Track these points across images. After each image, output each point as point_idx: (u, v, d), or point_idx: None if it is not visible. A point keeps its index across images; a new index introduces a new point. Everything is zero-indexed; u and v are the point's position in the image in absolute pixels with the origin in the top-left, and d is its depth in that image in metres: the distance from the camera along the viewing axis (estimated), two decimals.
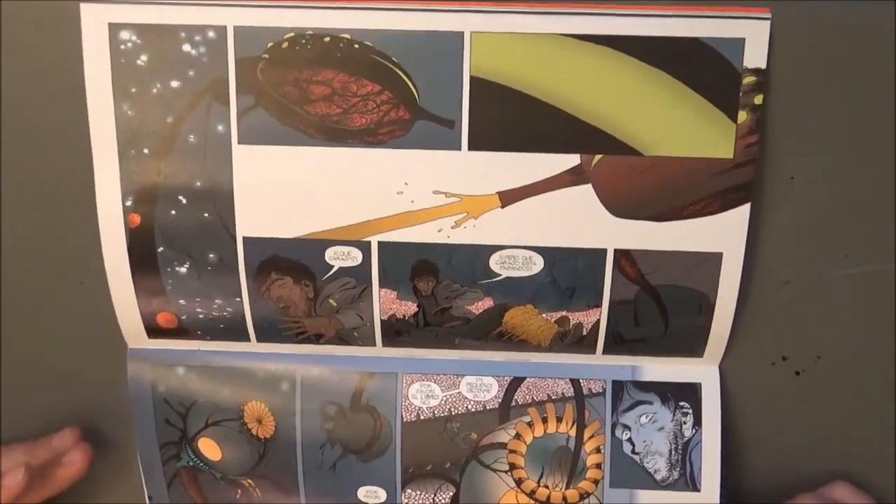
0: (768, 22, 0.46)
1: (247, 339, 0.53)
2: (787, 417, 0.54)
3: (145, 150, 0.48)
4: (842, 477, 0.53)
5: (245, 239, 0.50)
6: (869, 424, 0.54)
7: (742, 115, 0.47)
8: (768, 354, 0.53)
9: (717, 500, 0.54)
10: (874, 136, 0.48)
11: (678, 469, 0.54)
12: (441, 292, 0.50)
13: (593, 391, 0.53)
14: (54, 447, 0.53)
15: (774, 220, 0.50)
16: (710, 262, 0.49)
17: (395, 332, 0.52)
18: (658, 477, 0.54)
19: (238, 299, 0.51)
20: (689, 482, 0.54)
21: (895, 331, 0.52)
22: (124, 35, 0.47)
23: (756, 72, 0.46)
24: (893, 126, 0.48)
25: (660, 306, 0.50)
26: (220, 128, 0.48)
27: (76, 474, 0.53)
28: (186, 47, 0.47)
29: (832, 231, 0.50)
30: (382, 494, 0.55)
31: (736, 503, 0.55)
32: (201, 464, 0.55)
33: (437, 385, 0.53)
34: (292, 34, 0.47)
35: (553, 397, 0.53)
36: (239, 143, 0.48)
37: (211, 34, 0.47)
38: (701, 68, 0.46)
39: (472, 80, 0.47)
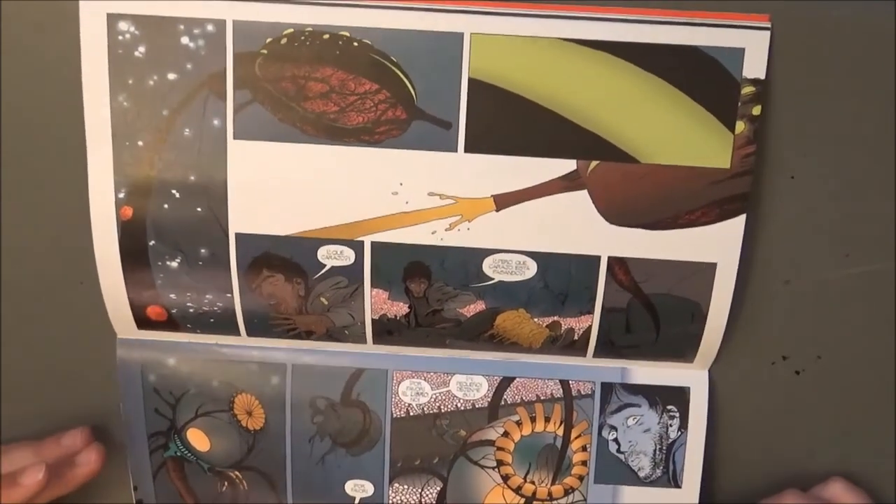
0: (768, 33, 0.45)
1: (237, 333, 0.53)
2: (787, 417, 0.55)
3: (140, 143, 0.48)
4: (842, 476, 0.54)
5: (238, 235, 0.49)
6: (869, 424, 0.55)
7: (740, 126, 0.47)
8: (768, 354, 0.54)
9: (697, 498, 0.55)
10: (874, 136, 0.49)
11: (661, 467, 0.54)
12: (433, 294, 0.50)
13: (582, 393, 0.53)
14: (64, 446, 0.53)
15: (775, 219, 0.50)
16: (704, 272, 0.49)
17: (387, 331, 0.52)
18: (641, 474, 0.55)
19: (229, 295, 0.51)
20: (672, 479, 0.54)
21: (895, 331, 0.52)
22: (123, 26, 0.46)
23: (755, 82, 0.46)
24: (893, 126, 0.48)
25: (652, 315, 0.50)
26: (215, 122, 0.47)
27: (90, 474, 0.53)
28: (185, 40, 0.46)
29: (832, 231, 0.51)
30: (370, 488, 0.55)
31: (735, 500, 0.56)
32: (189, 454, 0.56)
33: (427, 383, 0.54)
34: (291, 30, 0.46)
35: (542, 397, 0.54)
36: (234, 138, 0.48)
37: (210, 28, 0.46)
38: (700, 77, 0.46)
39: (471, 81, 0.46)
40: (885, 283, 0.51)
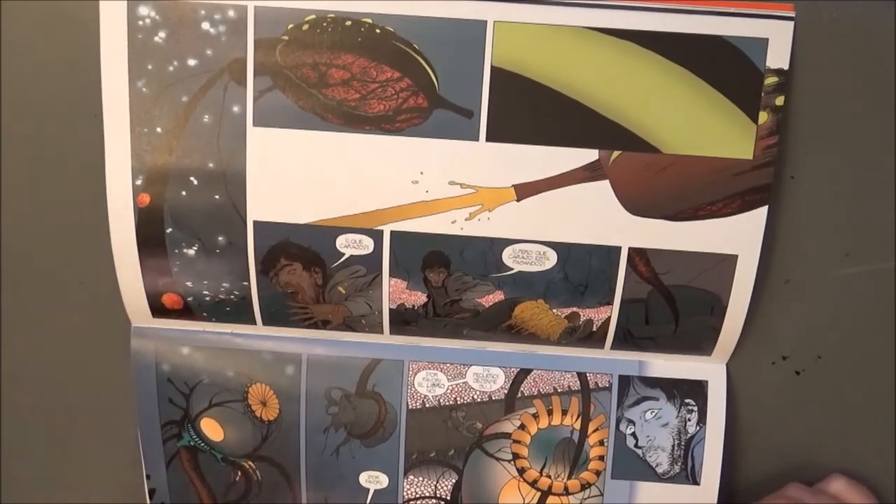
0: (792, 23, 0.45)
1: (253, 322, 0.52)
2: (787, 417, 0.55)
3: (158, 129, 0.48)
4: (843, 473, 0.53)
5: (256, 223, 0.49)
6: (869, 424, 0.54)
7: (763, 116, 0.46)
8: (769, 354, 0.53)
9: (716, 495, 0.54)
10: (874, 136, 0.48)
11: (679, 463, 0.54)
12: (452, 284, 0.50)
13: (600, 385, 0.53)
14: None
15: (774, 219, 0.49)
16: (725, 264, 0.49)
17: (404, 321, 0.52)
18: (659, 470, 0.54)
19: (245, 283, 0.51)
20: (690, 476, 0.54)
21: (895, 331, 0.52)
22: (143, 11, 0.46)
23: (778, 72, 0.46)
24: (893, 126, 0.48)
25: (672, 307, 0.50)
26: (235, 109, 0.47)
27: None
28: (205, 25, 0.46)
29: (832, 231, 0.50)
30: (384, 480, 0.55)
31: (735, 499, 0.56)
32: (202, 444, 0.55)
33: (444, 374, 0.53)
34: (313, 16, 0.46)
35: (559, 390, 0.53)
36: (254, 125, 0.47)
37: (231, 13, 0.46)
38: (724, 67, 0.46)
39: (493, 70, 0.46)
40: (885, 283, 0.51)
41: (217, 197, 0.49)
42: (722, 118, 0.46)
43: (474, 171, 0.48)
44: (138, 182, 0.49)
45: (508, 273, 0.50)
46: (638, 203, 0.48)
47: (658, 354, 0.53)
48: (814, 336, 0.53)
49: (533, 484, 0.55)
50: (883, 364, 0.53)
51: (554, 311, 0.51)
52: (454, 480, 0.55)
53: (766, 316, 0.52)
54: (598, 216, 0.48)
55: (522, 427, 0.54)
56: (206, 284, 0.51)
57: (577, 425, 0.54)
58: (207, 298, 0.51)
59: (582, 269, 0.49)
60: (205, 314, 0.52)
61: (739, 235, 0.48)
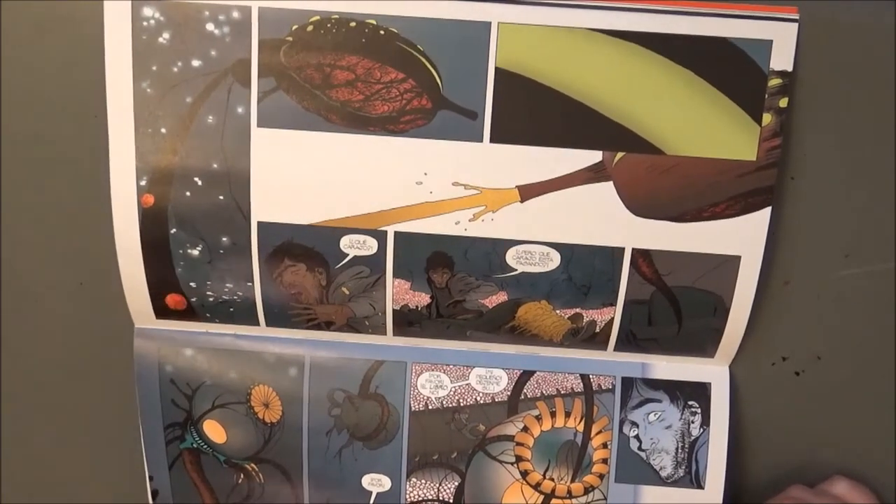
0: (796, 24, 0.45)
1: (256, 323, 0.52)
2: (787, 417, 0.54)
3: (163, 130, 0.48)
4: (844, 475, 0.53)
5: (260, 223, 0.49)
6: (869, 424, 0.54)
7: (766, 118, 0.47)
8: (768, 354, 0.53)
9: (721, 498, 0.54)
10: (875, 137, 0.48)
11: (683, 467, 0.54)
12: (455, 285, 0.50)
13: (603, 387, 0.53)
14: None
15: (774, 220, 0.49)
16: (728, 265, 0.49)
17: (407, 322, 0.52)
18: (663, 474, 0.54)
19: (249, 284, 0.51)
20: (694, 480, 0.54)
21: (895, 331, 0.52)
22: (147, 12, 0.46)
23: (782, 74, 0.46)
24: (893, 126, 0.48)
25: (675, 308, 0.50)
26: (239, 110, 0.47)
27: None
28: (210, 26, 0.46)
29: (832, 231, 0.50)
30: (387, 483, 0.55)
31: (736, 501, 0.55)
32: (205, 446, 0.55)
33: (447, 376, 0.53)
34: (318, 17, 0.46)
35: (562, 392, 0.53)
36: (258, 126, 0.47)
37: (235, 14, 0.46)
38: (727, 69, 0.46)
39: (498, 71, 0.46)
40: (885, 283, 0.51)
41: (221, 198, 0.49)
42: (725, 120, 0.46)
43: (478, 173, 0.48)
44: (142, 183, 0.49)
45: (512, 274, 0.50)
46: (641, 204, 0.48)
47: (661, 356, 0.53)
48: (814, 337, 0.53)
49: (536, 487, 0.55)
50: (883, 364, 0.53)
51: (557, 312, 0.51)
52: (457, 483, 0.55)
53: (766, 317, 0.52)
54: (601, 217, 0.48)
55: (525, 429, 0.54)
56: (210, 285, 0.51)
57: (581, 427, 0.54)
58: (211, 299, 0.51)
59: (585, 271, 0.49)
60: (208, 315, 0.52)
61: (742, 237, 0.48)
